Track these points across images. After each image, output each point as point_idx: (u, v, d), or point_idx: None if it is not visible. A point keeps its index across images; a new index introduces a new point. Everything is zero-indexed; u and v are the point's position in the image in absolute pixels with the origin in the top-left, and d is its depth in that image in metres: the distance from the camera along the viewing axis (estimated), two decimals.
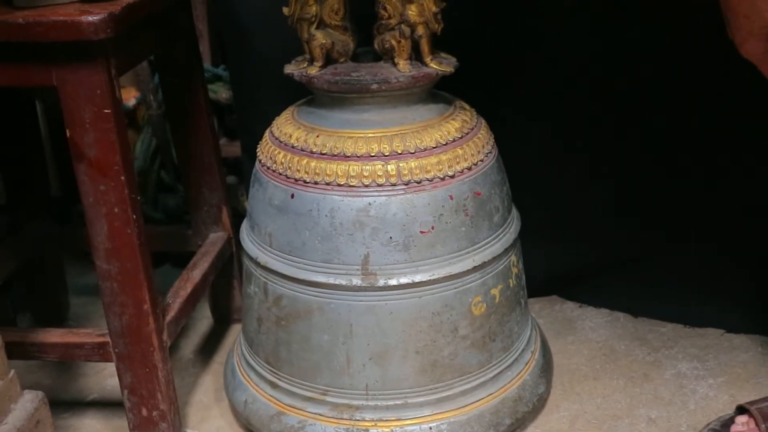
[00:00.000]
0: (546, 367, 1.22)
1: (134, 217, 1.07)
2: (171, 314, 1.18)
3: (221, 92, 1.86)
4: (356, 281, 1.04)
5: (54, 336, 1.16)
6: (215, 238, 1.41)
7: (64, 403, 1.32)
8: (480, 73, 1.27)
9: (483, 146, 1.10)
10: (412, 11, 1.05)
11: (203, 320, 1.54)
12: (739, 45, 0.92)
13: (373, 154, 1.03)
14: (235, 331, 1.47)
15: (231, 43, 1.56)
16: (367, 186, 1.03)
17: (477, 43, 1.29)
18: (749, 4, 0.87)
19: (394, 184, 1.03)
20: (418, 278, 1.05)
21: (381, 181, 1.03)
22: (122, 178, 1.05)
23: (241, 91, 1.57)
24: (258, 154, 1.13)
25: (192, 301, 1.26)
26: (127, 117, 1.92)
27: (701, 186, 1.31)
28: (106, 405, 1.31)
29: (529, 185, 1.29)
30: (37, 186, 1.47)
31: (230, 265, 1.44)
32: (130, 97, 1.92)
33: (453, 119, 1.09)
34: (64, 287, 1.57)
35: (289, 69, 1.11)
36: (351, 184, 1.03)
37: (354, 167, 1.03)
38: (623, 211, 1.37)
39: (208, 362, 1.41)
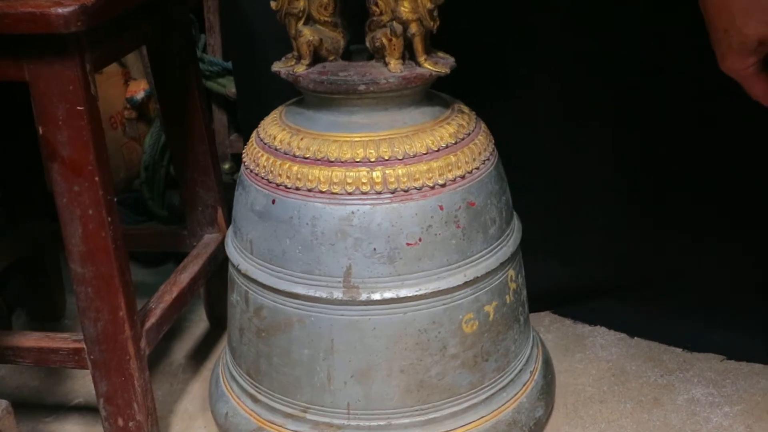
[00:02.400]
0: (546, 389, 1.15)
1: (109, 219, 1.02)
2: (151, 320, 1.13)
3: (230, 87, 1.80)
4: (337, 294, 0.98)
5: (29, 340, 1.11)
6: (209, 240, 1.36)
7: (47, 407, 1.28)
8: (481, 73, 1.20)
9: (480, 153, 1.03)
10: (404, 7, 0.98)
11: (199, 323, 1.49)
12: (720, 60, 0.88)
13: (357, 160, 0.97)
14: None
15: (235, 37, 1.51)
16: (350, 193, 0.96)
17: (478, 43, 1.22)
18: (728, 18, 0.83)
19: (379, 192, 0.96)
20: (403, 293, 0.98)
21: (365, 188, 0.96)
22: (96, 178, 1.00)
23: (244, 86, 1.51)
24: (243, 156, 1.08)
25: (177, 306, 1.21)
26: (137, 110, 1.90)
27: (713, 203, 1.24)
28: (90, 410, 1.27)
29: (534, 193, 1.23)
30: (33, 181, 1.43)
31: (225, 267, 1.38)
32: (139, 89, 1.88)
33: (448, 123, 1.02)
34: (61, 284, 1.54)
35: (277, 66, 1.05)
36: (334, 191, 0.97)
37: (337, 173, 0.97)
38: (634, 224, 1.30)
39: (199, 368, 1.36)
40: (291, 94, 1.13)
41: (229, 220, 1.37)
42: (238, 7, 1.45)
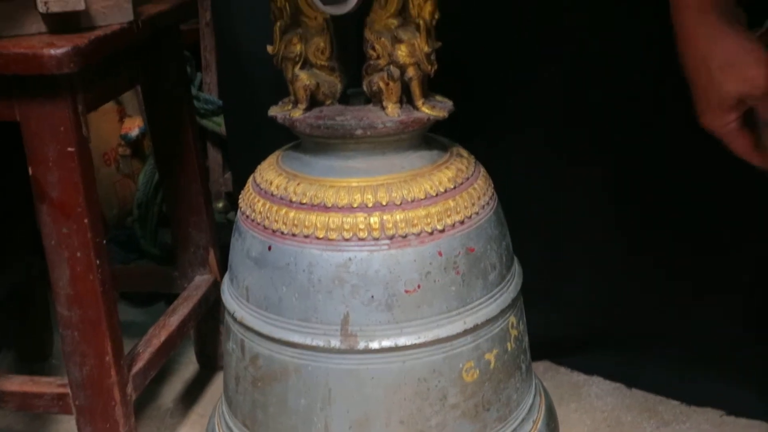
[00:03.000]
0: None
1: (98, 262, 1.00)
2: (138, 365, 1.11)
3: (224, 125, 1.79)
4: (335, 343, 0.95)
5: (13, 384, 1.09)
6: (200, 281, 1.34)
7: None
8: (479, 115, 1.19)
9: (479, 197, 1.01)
10: (401, 51, 0.96)
11: (188, 365, 1.46)
12: (700, 116, 0.87)
13: (355, 206, 0.94)
14: (221, 378, 1.39)
15: (228, 76, 1.50)
16: (347, 240, 0.94)
17: (474, 81, 1.21)
18: (708, 77, 0.83)
19: (376, 239, 0.94)
20: (402, 341, 0.95)
21: (363, 234, 0.94)
22: (86, 220, 0.98)
23: (235, 125, 1.50)
24: (239, 201, 1.05)
25: (166, 351, 1.18)
26: (131, 147, 1.88)
27: (714, 255, 1.23)
28: None
29: (531, 240, 1.21)
30: (22, 218, 1.40)
31: (217, 310, 1.36)
32: (134, 126, 1.86)
33: (447, 167, 1.00)
34: (48, 323, 1.51)
35: (274, 111, 1.03)
36: (330, 237, 0.94)
37: (334, 219, 0.94)
38: (634, 274, 1.28)
39: (187, 413, 1.33)
40: (284, 134, 1.11)
41: (221, 262, 1.35)
42: (233, 46, 1.44)
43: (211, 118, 1.83)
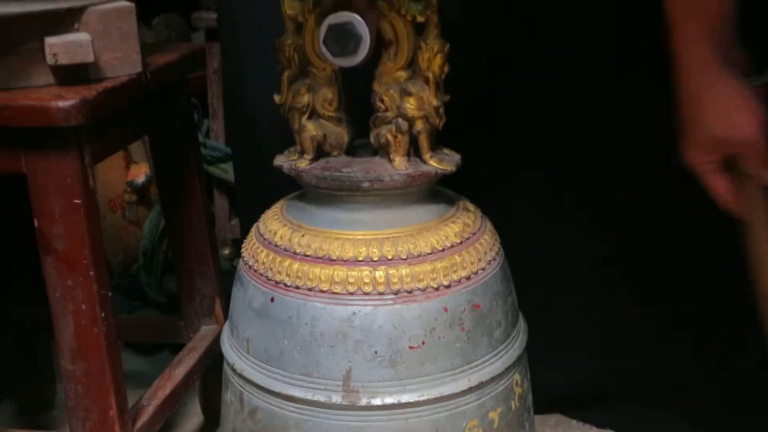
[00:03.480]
0: None
1: (103, 315, 0.99)
2: (143, 419, 1.09)
3: (232, 173, 1.79)
4: (336, 399, 0.94)
5: None
6: (206, 332, 1.32)
7: None
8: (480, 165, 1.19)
9: (486, 253, 1.00)
10: (410, 104, 0.96)
11: (193, 416, 1.44)
12: (684, 150, 0.88)
13: (360, 259, 0.94)
14: None
15: (236, 124, 1.50)
16: (352, 294, 0.93)
17: (478, 133, 1.21)
18: (697, 112, 0.85)
19: (381, 293, 0.93)
20: (405, 398, 0.94)
21: (367, 288, 0.93)
22: (91, 273, 0.97)
23: (243, 173, 1.50)
24: (242, 250, 1.05)
25: (171, 404, 1.17)
26: (137, 193, 1.88)
27: (724, 306, 1.21)
28: None
29: (542, 292, 1.20)
30: (25, 266, 1.40)
31: (222, 360, 1.34)
32: (141, 173, 1.87)
33: (453, 222, 1.00)
34: (51, 373, 1.49)
35: (279, 160, 1.03)
36: (335, 290, 0.93)
37: (339, 272, 0.94)
38: (649, 328, 1.26)
39: None
40: (291, 182, 1.11)
41: (227, 311, 1.33)
42: (239, 93, 1.44)
43: (217, 165, 1.84)
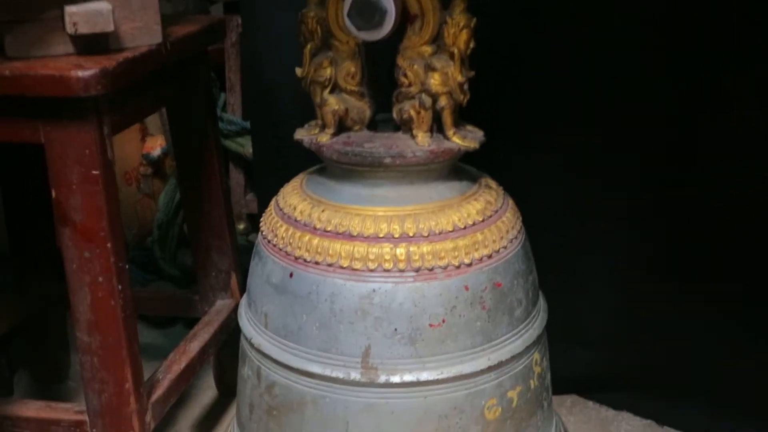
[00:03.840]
0: None
1: (120, 287, 0.98)
2: (158, 392, 1.09)
3: (248, 146, 1.78)
4: (355, 375, 0.93)
5: (30, 410, 1.07)
6: (222, 306, 1.32)
7: None
8: (508, 146, 1.17)
9: (507, 231, 0.99)
10: (434, 80, 0.95)
11: (207, 390, 1.44)
12: None
13: (381, 236, 0.93)
14: None
15: (254, 98, 1.48)
16: (372, 270, 0.92)
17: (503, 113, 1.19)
18: None
19: (402, 270, 0.92)
20: (424, 376, 0.93)
21: (388, 265, 0.92)
22: (108, 245, 0.97)
23: (261, 147, 1.49)
24: (261, 224, 1.04)
25: (186, 377, 1.16)
26: (153, 166, 1.87)
27: (747, 291, 1.19)
28: None
29: (559, 272, 1.19)
30: (42, 240, 1.40)
31: (237, 335, 1.33)
32: (156, 146, 1.86)
33: (475, 199, 0.98)
34: (65, 345, 1.49)
35: (300, 134, 1.02)
36: (355, 267, 0.92)
37: (359, 248, 0.93)
38: (667, 309, 1.25)
39: None
40: (309, 156, 1.10)
41: (243, 286, 1.33)
42: (258, 67, 1.43)
43: (234, 139, 1.82)
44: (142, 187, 1.88)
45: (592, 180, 1.24)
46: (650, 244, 1.24)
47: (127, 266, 1.00)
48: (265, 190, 1.51)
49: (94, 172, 0.94)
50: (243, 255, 1.38)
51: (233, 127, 1.81)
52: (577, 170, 1.25)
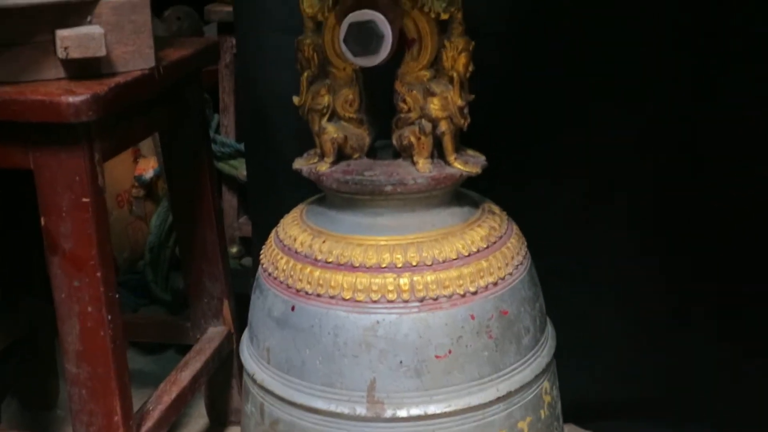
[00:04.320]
0: None
1: (109, 317, 0.96)
2: (148, 424, 1.06)
3: (242, 169, 1.75)
4: (360, 410, 0.90)
5: None
6: (214, 333, 1.29)
7: None
8: (509, 170, 1.15)
9: (513, 257, 0.96)
10: (434, 105, 0.92)
11: (198, 419, 1.41)
12: None
13: (384, 265, 0.90)
14: None
15: (249, 120, 1.46)
16: (375, 301, 0.89)
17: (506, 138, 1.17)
18: None
19: (406, 301, 0.89)
20: (431, 409, 0.90)
21: (392, 296, 0.89)
22: (98, 274, 0.94)
23: (255, 170, 1.46)
24: (261, 257, 1.01)
25: (176, 408, 1.13)
26: (145, 188, 1.84)
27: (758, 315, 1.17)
28: None
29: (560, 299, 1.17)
30: (31, 262, 1.36)
31: (230, 363, 1.31)
32: (149, 167, 1.83)
33: (479, 226, 0.96)
34: (54, 371, 1.46)
35: (299, 164, 0.99)
36: (358, 298, 0.89)
37: (362, 279, 0.90)
38: (669, 339, 1.23)
39: None
40: (303, 180, 1.08)
41: (235, 312, 1.30)
42: (252, 89, 1.40)
43: (227, 161, 1.80)
44: (134, 209, 1.84)
45: (596, 203, 1.22)
46: (657, 272, 1.22)
47: (117, 295, 0.97)
48: (260, 213, 1.49)
49: (84, 199, 0.91)
50: (236, 279, 1.36)
51: (227, 150, 1.78)
52: (581, 193, 1.22)
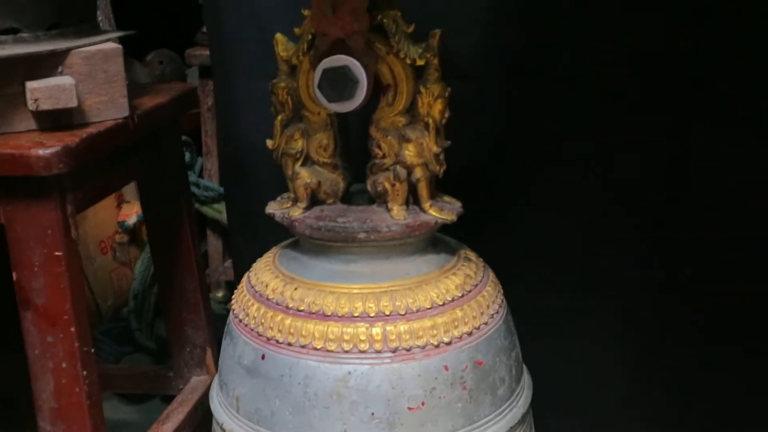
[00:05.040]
0: None
1: (85, 373, 0.94)
2: None
3: (225, 213, 1.74)
4: None
5: None
6: (197, 383, 1.27)
7: None
8: (490, 213, 1.14)
9: (488, 306, 0.95)
10: (409, 151, 0.92)
11: None
12: None
13: (356, 314, 0.89)
14: None
15: (229, 164, 1.46)
16: (347, 351, 0.88)
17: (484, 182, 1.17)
18: None
19: (378, 351, 0.88)
20: None
21: (364, 346, 0.88)
22: (72, 329, 0.93)
23: (236, 214, 1.46)
24: (232, 302, 1.00)
25: None
26: (129, 234, 1.84)
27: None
28: None
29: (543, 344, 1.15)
30: (7, 311, 1.34)
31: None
32: (132, 213, 1.82)
33: (454, 274, 0.95)
34: (34, 429, 1.43)
35: (272, 208, 0.98)
36: (329, 348, 0.88)
37: (333, 329, 0.89)
38: (654, 383, 1.21)
39: None
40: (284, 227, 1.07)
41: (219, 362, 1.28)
42: (232, 133, 1.41)
43: (211, 205, 1.79)
44: (117, 255, 1.84)
45: (574, 248, 1.21)
46: (637, 315, 1.21)
47: (92, 350, 0.96)
48: (241, 257, 1.48)
49: (57, 253, 0.90)
50: (221, 324, 1.34)
51: (210, 194, 1.78)
52: (559, 237, 1.22)
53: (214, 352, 1.27)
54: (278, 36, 0.94)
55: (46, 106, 0.89)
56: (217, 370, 1.25)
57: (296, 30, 0.92)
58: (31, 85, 0.89)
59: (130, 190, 1.84)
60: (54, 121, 0.93)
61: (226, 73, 1.34)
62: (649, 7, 1.11)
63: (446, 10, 1.16)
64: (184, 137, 1.82)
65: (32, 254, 0.90)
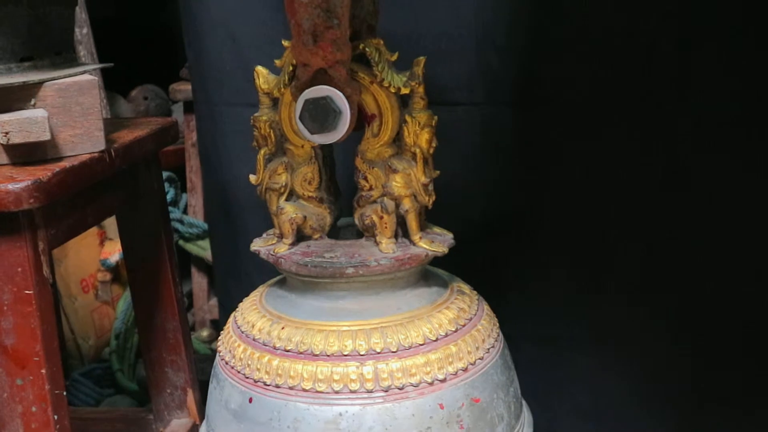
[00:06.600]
0: None
1: (56, 417, 0.89)
2: None
3: (210, 250, 1.70)
4: None
5: None
6: (178, 426, 1.22)
7: None
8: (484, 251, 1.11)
9: (483, 341, 0.91)
10: (396, 182, 0.88)
11: None
12: None
13: (346, 353, 0.84)
14: None
15: (213, 202, 1.42)
16: (337, 392, 0.84)
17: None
18: None
19: (370, 390, 0.84)
20: None
21: (354, 386, 0.83)
22: (43, 371, 0.88)
23: (220, 251, 1.41)
24: (218, 344, 0.95)
25: None
26: (111, 272, 1.79)
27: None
28: None
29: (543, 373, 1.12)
30: None
31: None
32: (114, 251, 1.78)
33: (447, 308, 0.91)
34: None
35: (257, 245, 0.94)
36: (319, 389, 0.84)
37: (322, 368, 0.84)
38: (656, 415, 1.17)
39: None
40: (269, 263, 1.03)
41: (201, 404, 1.23)
42: (214, 168, 1.37)
43: (195, 242, 1.75)
44: (100, 294, 1.79)
45: (572, 280, 1.18)
46: (637, 346, 1.17)
47: (65, 393, 0.91)
48: (226, 295, 1.43)
49: (27, 291, 0.86)
50: (207, 364, 1.29)
51: (194, 230, 1.74)
52: (555, 266, 1.19)
53: (195, 394, 1.23)
54: (258, 68, 0.91)
55: (17, 139, 0.85)
56: (204, 413, 1.21)
57: (277, 62, 0.89)
58: (1, 118, 0.85)
59: (113, 227, 1.79)
60: (27, 155, 0.89)
61: (207, 106, 1.31)
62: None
63: (429, 39, 1.13)
64: (168, 173, 1.78)
65: (1, 293, 0.86)
